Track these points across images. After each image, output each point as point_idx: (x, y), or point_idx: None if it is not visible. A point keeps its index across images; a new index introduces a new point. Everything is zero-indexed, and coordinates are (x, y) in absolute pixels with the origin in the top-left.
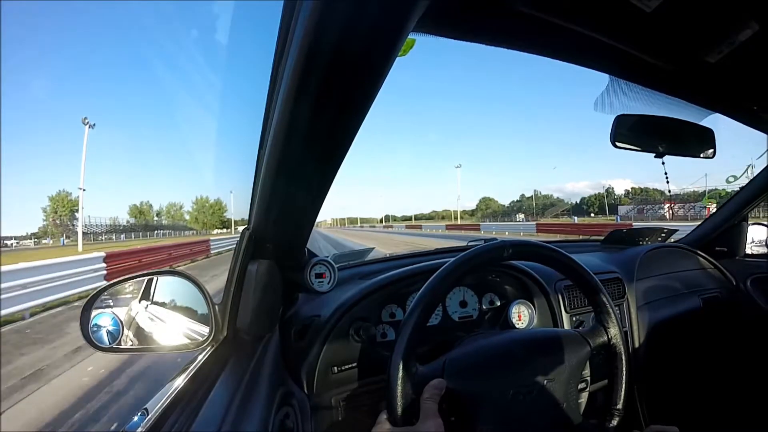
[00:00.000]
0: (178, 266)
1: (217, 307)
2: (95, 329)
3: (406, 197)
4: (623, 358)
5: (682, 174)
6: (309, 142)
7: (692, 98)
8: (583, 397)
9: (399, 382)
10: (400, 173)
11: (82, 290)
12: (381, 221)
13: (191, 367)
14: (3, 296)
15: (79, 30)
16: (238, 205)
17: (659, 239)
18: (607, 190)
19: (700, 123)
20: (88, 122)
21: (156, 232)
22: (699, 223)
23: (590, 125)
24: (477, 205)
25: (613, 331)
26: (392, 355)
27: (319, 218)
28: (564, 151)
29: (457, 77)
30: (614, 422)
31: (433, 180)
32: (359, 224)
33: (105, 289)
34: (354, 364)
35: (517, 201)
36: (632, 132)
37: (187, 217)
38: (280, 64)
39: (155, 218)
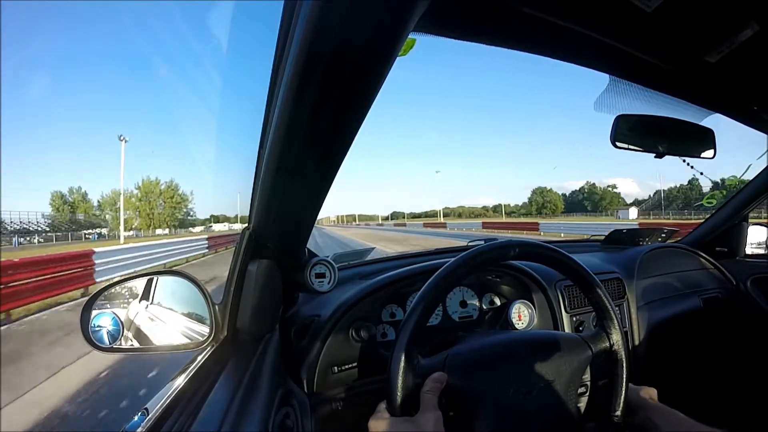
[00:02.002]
0: None
1: (217, 307)
2: (95, 329)
3: (413, 196)
4: (624, 364)
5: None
6: (309, 142)
7: (692, 98)
8: (583, 402)
9: (400, 372)
10: (405, 172)
11: None
12: (388, 218)
13: (191, 367)
14: None
15: (79, 28)
16: (204, 193)
17: (659, 239)
18: (690, 182)
19: (700, 123)
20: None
21: (84, 233)
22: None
23: (591, 124)
24: (529, 199)
25: (615, 336)
26: (394, 346)
27: (320, 216)
28: (564, 151)
29: (461, 76)
30: (613, 426)
31: (438, 179)
32: (380, 221)
33: (105, 289)
34: (354, 364)
35: (578, 192)
36: (632, 132)
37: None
38: (281, 64)
39: (95, 213)
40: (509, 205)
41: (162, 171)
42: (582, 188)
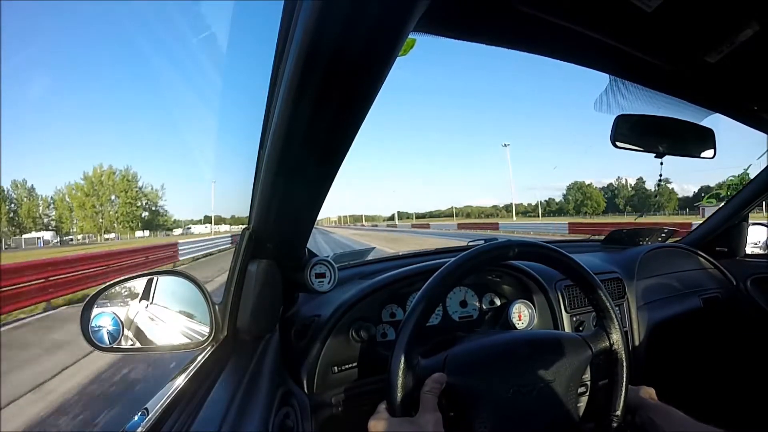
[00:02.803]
0: None
1: (217, 306)
2: (95, 329)
3: (417, 196)
4: (624, 364)
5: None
6: (309, 142)
7: (692, 98)
8: (583, 401)
9: (400, 373)
10: (408, 172)
11: None
12: (391, 219)
13: (191, 367)
14: None
15: (78, 28)
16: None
17: (659, 239)
18: (741, 179)
19: (700, 123)
20: None
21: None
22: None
23: (591, 124)
24: (566, 196)
25: (615, 336)
26: (394, 347)
27: (321, 216)
28: (564, 151)
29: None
30: (612, 426)
31: (441, 178)
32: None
33: (105, 288)
34: (354, 364)
35: (605, 189)
36: (633, 132)
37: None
38: (280, 64)
39: (45, 213)
40: (522, 204)
41: (162, 171)
42: (610, 185)
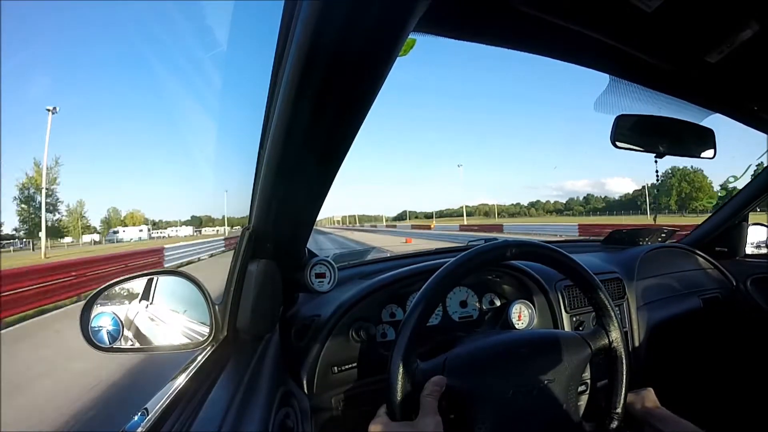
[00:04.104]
0: None
1: (217, 306)
2: (95, 329)
3: (424, 195)
4: (624, 361)
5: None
6: (309, 142)
7: (692, 98)
8: (583, 400)
9: (399, 377)
10: (410, 172)
11: None
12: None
13: (191, 367)
14: None
15: (78, 28)
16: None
17: (659, 239)
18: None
19: (700, 123)
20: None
21: None
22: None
23: (591, 124)
24: (661, 184)
25: (614, 334)
26: (393, 350)
27: (323, 215)
28: (564, 150)
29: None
30: (613, 425)
31: (440, 178)
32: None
33: (105, 289)
34: (354, 364)
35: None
36: (633, 132)
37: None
38: (280, 64)
39: None
40: (549, 202)
41: (161, 172)
42: (666, 180)
